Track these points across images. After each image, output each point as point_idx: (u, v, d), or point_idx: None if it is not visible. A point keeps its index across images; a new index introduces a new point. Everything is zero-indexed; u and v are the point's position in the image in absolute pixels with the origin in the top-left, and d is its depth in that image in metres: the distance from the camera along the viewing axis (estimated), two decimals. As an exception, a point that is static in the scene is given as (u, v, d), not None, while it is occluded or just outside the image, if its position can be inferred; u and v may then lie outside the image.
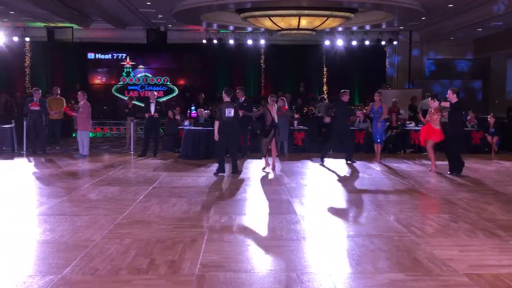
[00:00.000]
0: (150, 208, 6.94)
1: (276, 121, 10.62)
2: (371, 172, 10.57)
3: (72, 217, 6.38)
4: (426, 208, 7.20)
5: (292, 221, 6.32)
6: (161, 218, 6.40)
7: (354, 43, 19.28)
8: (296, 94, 18.49)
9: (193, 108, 17.63)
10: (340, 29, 18.14)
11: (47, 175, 9.94)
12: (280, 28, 15.25)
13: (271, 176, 9.98)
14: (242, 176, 9.96)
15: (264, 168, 10.65)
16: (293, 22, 14.61)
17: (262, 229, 5.98)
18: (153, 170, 10.54)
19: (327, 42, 19.43)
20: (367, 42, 19.34)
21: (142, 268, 4.54)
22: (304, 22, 14.57)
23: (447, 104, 10.07)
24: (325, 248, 5.25)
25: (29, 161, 11.95)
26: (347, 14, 14.62)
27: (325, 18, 14.51)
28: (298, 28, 14.92)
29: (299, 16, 14.27)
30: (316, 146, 13.73)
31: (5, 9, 15.12)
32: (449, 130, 9.91)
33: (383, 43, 19.68)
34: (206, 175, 9.86)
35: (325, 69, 20.33)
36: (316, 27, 15.18)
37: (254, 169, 10.81)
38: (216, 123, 9.84)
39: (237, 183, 9.07)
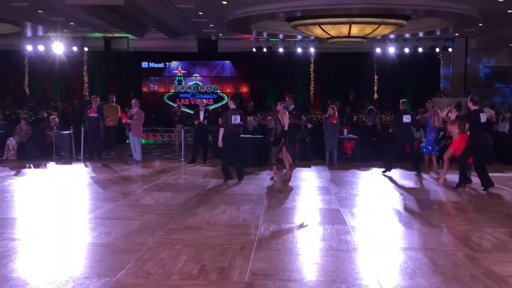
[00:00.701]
0: (200, 214, 7.05)
1: (286, 128, 10.32)
2: (424, 183, 10.28)
3: (126, 221, 6.58)
4: (483, 222, 6.91)
5: (342, 231, 6.24)
6: (210, 225, 6.49)
7: (406, 50, 18.86)
8: (346, 102, 18.29)
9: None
10: (392, 36, 17.81)
11: (103, 179, 10.31)
12: (330, 36, 15.16)
13: (319, 185, 9.89)
14: (291, 184, 9.94)
15: (272, 178, 10.44)
16: (344, 30, 14.49)
17: (312, 239, 5.93)
18: (202, 176, 10.71)
19: (378, 50, 19.12)
20: (420, 49, 18.86)
21: (193, 274, 4.61)
22: (355, 30, 14.42)
23: (452, 115, 9.54)
24: (377, 260, 5.14)
25: (86, 166, 12.45)
26: (399, 21, 14.34)
27: (377, 26, 14.30)
28: (349, 36, 14.78)
29: (350, 23, 14.14)
30: (366, 155, 13.52)
31: (66, 20, 15.88)
32: (469, 142, 9.20)
33: (437, 50, 19.14)
34: (254, 183, 9.91)
35: (376, 77, 20.00)
36: (367, 35, 14.98)
37: (303, 178, 10.75)
38: (221, 130, 9.87)
39: (285, 192, 9.05)
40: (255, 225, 6.52)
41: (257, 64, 20.25)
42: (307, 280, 4.57)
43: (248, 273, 4.64)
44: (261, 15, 14.17)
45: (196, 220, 6.75)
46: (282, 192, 9.07)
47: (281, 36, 18.23)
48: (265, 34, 17.93)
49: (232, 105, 10.10)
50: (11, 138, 13.21)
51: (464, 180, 9.30)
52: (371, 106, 17.24)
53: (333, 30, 14.64)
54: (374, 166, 12.38)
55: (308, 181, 10.29)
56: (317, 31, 14.97)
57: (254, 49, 19.13)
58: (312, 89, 20.36)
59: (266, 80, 20.72)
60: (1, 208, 7.48)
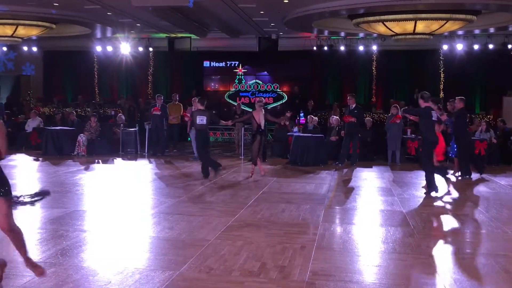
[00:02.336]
0: (260, 213, 7.09)
1: (263, 127, 10.36)
2: (493, 186, 9.77)
3: (188, 217, 6.73)
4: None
5: (406, 234, 6.05)
6: (270, 223, 6.51)
7: (476, 47, 17.98)
8: (410, 101, 17.72)
9: (301, 114, 17.71)
10: (460, 32, 17.05)
11: (166, 175, 10.62)
12: (394, 33, 14.73)
13: (381, 186, 9.66)
14: (351, 184, 9.78)
15: (250, 176, 10.31)
16: (409, 26, 14.03)
17: (373, 241, 5.80)
18: (262, 175, 10.75)
19: (445, 47, 18.36)
20: (491, 46, 17.92)
21: (254, 271, 4.64)
22: (420, 26, 13.91)
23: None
24: (442, 265, 4.95)
25: (150, 162, 12.87)
26: (468, 16, 13.68)
27: (444, 22, 13.72)
28: (414, 33, 14.28)
29: (416, 20, 13.66)
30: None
31: (133, 22, 16.49)
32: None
33: (509, 46, 18.09)
34: (314, 182, 9.83)
35: (442, 75, 19.22)
36: (433, 31, 14.42)
37: (364, 178, 10.55)
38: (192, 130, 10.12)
39: (346, 192, 8.92)
40: (315, 224, 6.47)
41: (317, 63, 20.06)
42: (368, 282, 4.48)
43: (308, 273, 4.61)
44: (323, 13, 14.01)
45: (256, 218, 6.80)
46: (342, 192, 8.94)
47: (342, 34, 17.94)
48: (326, 32, 17.71)
49: (199, 106, 10.31)
50: (82, 134, 13.91)
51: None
52: (437, 105, 16.60)
53: (397, 27, 14.21)
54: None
55: (370, 182, 10.07)
56: (380, 28, 14.60)
57: (314, 48, 18.97)
58: (374, 87, 19.88)
59: (327, 79, 20.48)
60: (73, 201, 7.89)
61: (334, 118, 13.92)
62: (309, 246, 5.45)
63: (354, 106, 12.17)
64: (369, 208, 7.60)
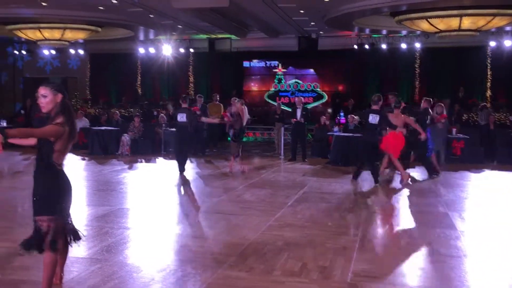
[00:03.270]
0: (301, 212, 7.06)
1: (244, 124, 11.05)
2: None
3: (229, 216, 6.78)
4: None
5: (451, 236, 5.88)
6: (311, 223, 6.47)
7: (526, 43, 17.24)
8: (454, 99, 17.21)
9: (342, 114, 17.51)
10: (508, 28, 16.40)
11: (207, 175, 10.74)
12: (438, 30, 14.34)
13: (425, 187, 9.42)
14: (393, 185, 9.59)
15: (229, 171, 10.85)
16: (454, 23, 13.61)
17: (417, 243, 5.67)
18: (302, 175, 10.72)
19: (492, 43, 17.71)
20: (543, 42, 17.14)
21: (295, 271, 4.63)
22: (466, 23, 13.47)
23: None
24: (490, 268, 4.78)
25: (191, 161, 13.03)
26: (517, 11, 13.15)
27: (491, 17, 13.23)
28: (459, 29, 13.85)
29: (461, 16, 13.24)
30: (477, 156, 12.64)
31: (174, 23, 16.77)
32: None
33: None
34: (355, 183, 9.70)
35: (489, 72, 18.54)
36: (480, 28, 13.93)
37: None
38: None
39: (388, 193, 8.76)
40: (356, 225, 6.39)
41: (358, 61, 19.76)
42: (412, 285, 4.38)
43: (350, 274, 4.55)
44: (364, 11, 13.79)
45: (296, 217, 6.78)
46: (385, 192, 8.78)
47: (384, 32, 17.62)
48: (367, 30, 17.43)
49: (183, 104, 10.71)
50: (126, 134, 14.27)
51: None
52: (484, 103, 16.07)
53: (441, 24, 13.82)
54: (486, 168, 11.53)
55: (413, 182, 9.84)
56: (424, 25, 14.24)
57: (355, 46, 18.71)
58: (417, 86, 19.41)
59: (367, 78, 20.15)
60: (117, 199, 8.11)
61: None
62: (351, 247, 5.38)
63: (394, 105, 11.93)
64: (413, 209, 7.43)
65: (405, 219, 6.83)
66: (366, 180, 9.98)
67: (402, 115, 9.89)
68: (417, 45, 18.48)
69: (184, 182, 9.89)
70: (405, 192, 8.85)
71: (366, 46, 18.58)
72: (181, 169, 10.50)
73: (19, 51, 21.39)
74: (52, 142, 3.63)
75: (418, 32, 16.82)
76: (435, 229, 6.22)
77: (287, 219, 6.64)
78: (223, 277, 4.46)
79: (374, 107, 9.50)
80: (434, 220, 6.75)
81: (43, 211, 3.71)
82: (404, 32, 17.77)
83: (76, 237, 3.95)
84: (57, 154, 3.68)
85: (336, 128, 13.74)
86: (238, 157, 11.04)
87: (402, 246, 5.53)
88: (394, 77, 19.84)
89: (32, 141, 3.82)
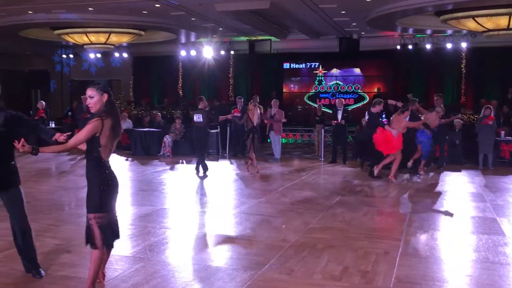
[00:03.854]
0: (341, 216, 6.97)
1: (255, 125, 10.94)
2: None
3: (268, 218, 6.77)
4: None
5: (499, 242, 5.65)
6: (352, 226, 6.37)
7: None
8: (503, 101, 16.58)
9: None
10: (561, 25, 15.65)
11: (247, 176, 10.77)
12: (486, 29, 13.85)
13: (472, 191, 9.11)
14: (438, 189, 9.32)
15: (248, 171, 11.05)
16: (502, 21, 13.11)
17: (463, 248, 5.48)
18: (343, 177, 10.58)
19: (543, 42, 16.94)
20: None
21: (336, 275, 4.56)
22: (515, 21, 12.96)
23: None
24: (543, 279, 4.56)
25: (231, 163, 13.14)
26: None
27: (543, 15, 12.68)
28: (508, 28, 13.34)
29: (510, 15, 12.75)
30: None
31: (215, 26, 16.95)
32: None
33: None
34: (398, 186, 9.49)
35: (541, 73, 17.76)
36: (530, 26, 13.37)
37: (453, 182, 10.01)
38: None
39: (433, 196, 8.51)
40: (399, 229, 6.24)
41: (401, 62, 19.35)
42: (459, 292, 4.23)
43: (393, 279, 4.45)
44: (407, 10, 13.49)
45: (337, 220, 6.69)
46: (429, 196, 8.54)
47: (428, 31, 17.18)
48: (410, 30, 17.05)
49: (200, 105, 10.94)
50: (167, 135, 14.52)
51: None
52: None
53: (489, 23, 13.35)
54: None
55: (458, 186, 9.54)
56: (471, 24, 13.79)
57: (398, 47, 18.32)
58: (463, 87, 18.81)
59: (411, 79, 19.70)
60: (159, 199, 8.25)
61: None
62: (394, 251, 5.26)
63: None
64: (458, 214, 7.19)
65: (451, 224, 6.62)
66: (409, 183, 9.76)
67: (405, 121, 9.75)
68: (463, 44, 17.91)
69: (223, 183, 9.97)
70: (451, 196, 8.58)
71: (410, 46, 18.17)
72: (200, 168, 10.81)
73: (67, 56, 22.21)
74: (98, 137, 3.80)
75: (464, 32, 16.31)
76: (482, 235, 6.00)
77: (328, 222, 6.56)
78: (263, 279, 4.45)
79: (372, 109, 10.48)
80: (482, 225, 6.50)
81: (94, 208, 3.84)
82: (449, 32, 17.28)
83: (117, 235, 4.04)
84: (103, 149, 3.83)
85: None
86: (251, 158, 11.18)
87: (448, 252, 5.36)
88: (439, 78, 19.31)
89: (84, 146, 3.97)
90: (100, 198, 3.83)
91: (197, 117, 10.83)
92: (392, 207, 7.51)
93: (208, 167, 10.94)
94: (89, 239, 3.86)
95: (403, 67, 19.53)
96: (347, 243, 5.58)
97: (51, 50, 22.26)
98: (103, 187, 3.84)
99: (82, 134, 3.80)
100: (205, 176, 10.63)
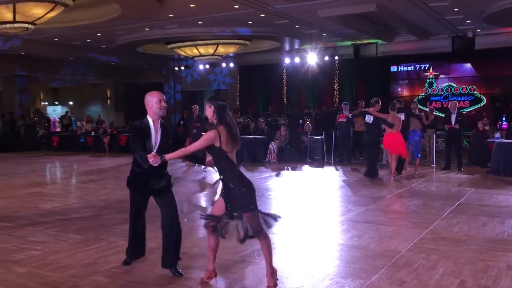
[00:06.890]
0: (457, 226, 6.52)
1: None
2: None
3: (377, 226, 6.55)
4: None
5: None
6: (470, 238, 5.93)
7: None
8: None
9: (504, 118, 15.84)
10: None
11: (354, 183, 10.55)
12: None
13: None
14: None
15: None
16: None
17: None
18: (458, 185, 9.92)
19: None
20: None
21: (452, 289, 4.27)
22: None
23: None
24: None
25: (336, 169, 12.96)
26: None
27: None
28: None
29: None
30: None
31: (319, 32, 16.91)
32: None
33: None
34: (522, 195, 8.67)
35: None
36: None
37: None
38: None
39: None
40: (525, 242, 5.68)
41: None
42: None
43: (519, 297, 4.06)
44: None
45: (452, 231, 6.27)
46: (559, 207, 7.68)
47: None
48: (534, 25, 15.60)
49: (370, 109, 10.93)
50: (273, 142, 14.74)
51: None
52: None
53: None
54: None
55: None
56: None
57: (519, 43, 16.83)
58: None
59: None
60: (265, 205, 8.37)
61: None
62: (519, 266, 4.79)
63: None
64: None
65: None
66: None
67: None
68: None
69: (329, 189, 9.86)
70: None
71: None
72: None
73: (178, 68, 23.60)
74: (219, 147, 4.16)
75: None
76: None
77: (442, 232, 6.18)
78: (373, 289, 4.31)
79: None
80: None
81: (245, 208, 4.33)
82: None
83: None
84: (230, 155, 4.24)
85: (497, 134, 12.46)
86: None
87: None
88: None
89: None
90: (248, 197, 4.33)
91: (368, 119, 10.93)
92: (516, 218, 6.87)
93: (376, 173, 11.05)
94: (256, 231, 4.30)
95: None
96: (465, 255, 5.20)
97: (164, 63, 23.83)
98: (245, 188, 4.27)
99: (203, 143, 4.17)
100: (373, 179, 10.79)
